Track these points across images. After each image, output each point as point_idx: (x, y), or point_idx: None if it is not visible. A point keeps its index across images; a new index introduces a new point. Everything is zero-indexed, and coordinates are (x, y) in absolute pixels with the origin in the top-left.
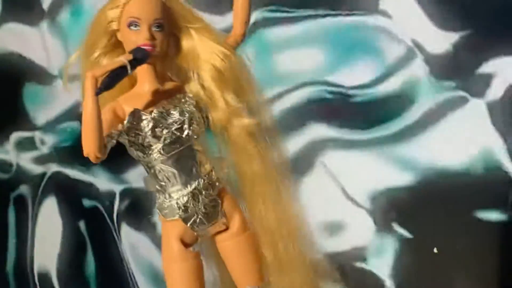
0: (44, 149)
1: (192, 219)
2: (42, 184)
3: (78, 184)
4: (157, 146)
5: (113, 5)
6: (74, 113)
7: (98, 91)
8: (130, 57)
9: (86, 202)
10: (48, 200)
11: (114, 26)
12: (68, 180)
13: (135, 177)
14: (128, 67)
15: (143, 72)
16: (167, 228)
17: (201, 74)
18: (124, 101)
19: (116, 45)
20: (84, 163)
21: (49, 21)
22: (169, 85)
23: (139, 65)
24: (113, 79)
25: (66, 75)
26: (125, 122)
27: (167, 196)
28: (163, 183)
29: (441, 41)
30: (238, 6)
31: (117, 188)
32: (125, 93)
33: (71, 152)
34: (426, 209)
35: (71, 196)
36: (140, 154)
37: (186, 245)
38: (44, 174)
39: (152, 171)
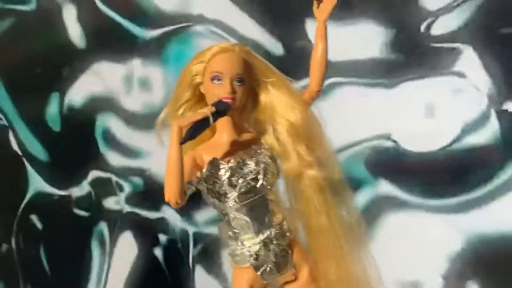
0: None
1: (263, 268)
2: (118, 220)
3: (152, 222)
4: (233, 195)
5: (198, 61)
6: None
7: (183, 141)
8: (213, 109)
9: (162, 238)
10: (124, 235)
11: (198, 79)
12: (143, 218)
13: (204, 221)
14: (211, 119)
15: (223, 123)
16: (238, 275)
17: (276, 127)
18: (203, 150)
19: (199, 98)
20: (156, 207)
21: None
22: (246, 136)
23: (220, 117)
24: (196, 130)
25: (159, 131)
26: (204, 170)
27: (239, 243)
28: (236, 231)
29: None
30: (315, 64)
31: (190, 230)
32: (204, 142)
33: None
34: (501, 273)
35: (146, 231)
36: (216, 201)
37: None
38: (120, 211)
39: (226, 218)
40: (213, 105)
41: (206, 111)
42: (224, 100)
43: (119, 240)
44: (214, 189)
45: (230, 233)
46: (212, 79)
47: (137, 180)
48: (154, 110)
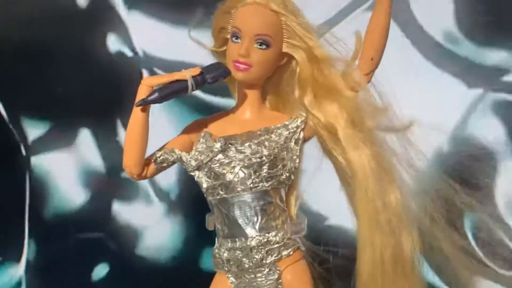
0: None
1: (238, 281)
2: None
3: None
4: (222, 181)
5: (225, 9)
6: None
7: (140, 102)
8: (196, 72)
9: None
10: None
11: (225, 34)
12: None
13: None
14: (190, 84)
15: (247, 96)
16: (214, 281)
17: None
18: (212, 122)
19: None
20: None
21: None
22: (269, 116)
23: (208, 84)
24: (164, 93)
25: None
26: (199, 142)
27: (217, 244)
28: (218, 227)
29: None
30: (374, 36)
31: None
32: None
33: None
34: None
35: None
36: (210, 184)
37: None
38: None
39: (214, 210)
40: (203, 68)
41: (186, 72)
42: (237, 63)
43: None
44: (208, 166)
45: (216, 228)
46: (232, 36)
47: None
48: None
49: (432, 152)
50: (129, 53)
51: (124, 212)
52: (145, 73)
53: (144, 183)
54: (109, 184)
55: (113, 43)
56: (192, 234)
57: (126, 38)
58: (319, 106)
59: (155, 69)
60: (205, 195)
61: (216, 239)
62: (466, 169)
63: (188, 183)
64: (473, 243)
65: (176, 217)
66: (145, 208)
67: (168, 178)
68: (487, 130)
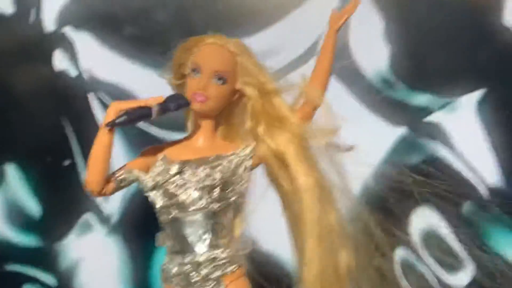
0: None
1: None
2: None
3: None
4: (178, 200)
5: (186, 47)
6: None
7: (111, 123)
8: (160, 100)
9: None
10: None
11: (185, 70)
12: None
13: None
14: (154, 111)
15: (203, 125)
16: None
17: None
18: (169, 147)
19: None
20: None
21: None
22: (220, 144)
23: (170, 111)
24: (130, 117)
25: None
26: (157, 164)
27: (167, 260)
28: (169, 243)
29: None
30: (319, 76)
31: None
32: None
33: None
34: None
35: None
36: (164, 204)
37: None
38: None
39: (166, 227)
40: (166, 97)
41: (152, 101)
42: (195, 96)
43: None
44: (164, 187)
45: (166, 244)
46: (192, 71)
47: None
48: None
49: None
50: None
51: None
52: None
53: None
54: None
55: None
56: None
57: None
58: (271, 135)
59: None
60: (157, 214)
61: (165, 256)
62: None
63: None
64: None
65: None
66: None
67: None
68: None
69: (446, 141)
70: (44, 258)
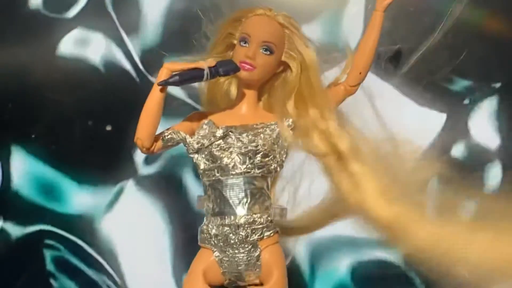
0: None
1: (222, 255)
2: None
3: None
4: (220, 164)
5: (235, 18)
6: None
7: (163, 82)
8: (213, 63)
9: None
10: None
11: (232, 38)
12: None
13: None
14: (206, 73)
15: (245, 94)
16: (198, 255)
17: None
18: (211, 113)
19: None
20: None
21: None
22: (262, 114)
23: (220, 76)
24: (183, 77)
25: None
26: (202, 128)
27: (206, 220)
28: (210, 205)
29: None
30: (362, 55)
31: None
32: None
33: None
34: None
35: None
36: (206, 166)
37: (209, 284)
38: None
39: (208, 190)
40: (218, 61)
41: (204, 63)
42: (243, 64)
43: None
44: (209, 149)
45: (206, 207)
46: (241, 40)
47: None
48: None
49: None
50: None
51: None
52: None
53: None
54: None
55: None
56: None
57: None
58: (306, 110)
59: None
60: (200, 176)
61: (204, 217)
62: None
63: None
64: None
65: None
66: None
67: None
68: None
69: None
70: (82, 225)
